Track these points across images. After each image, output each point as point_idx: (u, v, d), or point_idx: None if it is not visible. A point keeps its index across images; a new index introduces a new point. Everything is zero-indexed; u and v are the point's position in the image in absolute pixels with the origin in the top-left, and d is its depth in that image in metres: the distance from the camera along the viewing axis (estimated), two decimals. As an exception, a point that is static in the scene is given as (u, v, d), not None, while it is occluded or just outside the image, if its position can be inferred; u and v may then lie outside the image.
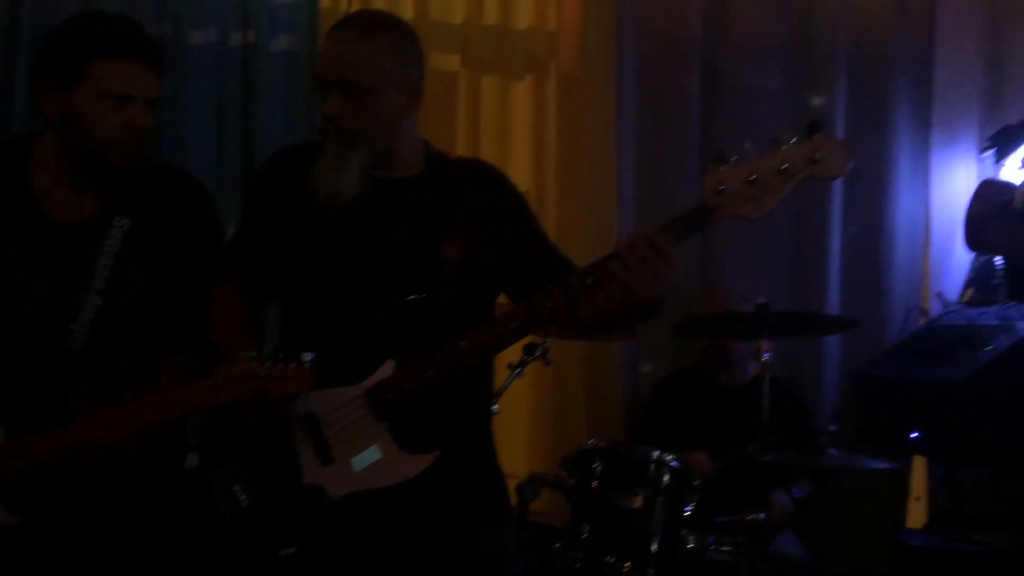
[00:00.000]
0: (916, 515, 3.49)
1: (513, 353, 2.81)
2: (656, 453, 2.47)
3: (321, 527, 1.65)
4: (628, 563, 2.37)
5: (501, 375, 2.79)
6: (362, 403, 1.66)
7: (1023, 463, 2.89)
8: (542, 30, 3.40)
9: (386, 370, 1.66)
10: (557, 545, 2.51)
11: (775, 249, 3.51)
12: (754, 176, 1.52)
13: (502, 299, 1.87)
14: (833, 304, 3.49)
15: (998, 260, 3.19)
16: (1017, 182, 0.95)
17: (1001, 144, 3.55)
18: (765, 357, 2.63)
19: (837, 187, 3.49)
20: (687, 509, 2.47)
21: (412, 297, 1.69)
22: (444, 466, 1.66)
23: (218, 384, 1.61)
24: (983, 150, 3.68)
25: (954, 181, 3.70)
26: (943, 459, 3.25)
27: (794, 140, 1.53)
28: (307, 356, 1.58)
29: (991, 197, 0.97)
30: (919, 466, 3.52)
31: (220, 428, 1.71)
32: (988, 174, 3.67)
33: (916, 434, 3.01)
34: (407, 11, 3.26)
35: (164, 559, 1.84)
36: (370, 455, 1.64)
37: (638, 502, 2.41)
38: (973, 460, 3.06)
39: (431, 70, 3.30)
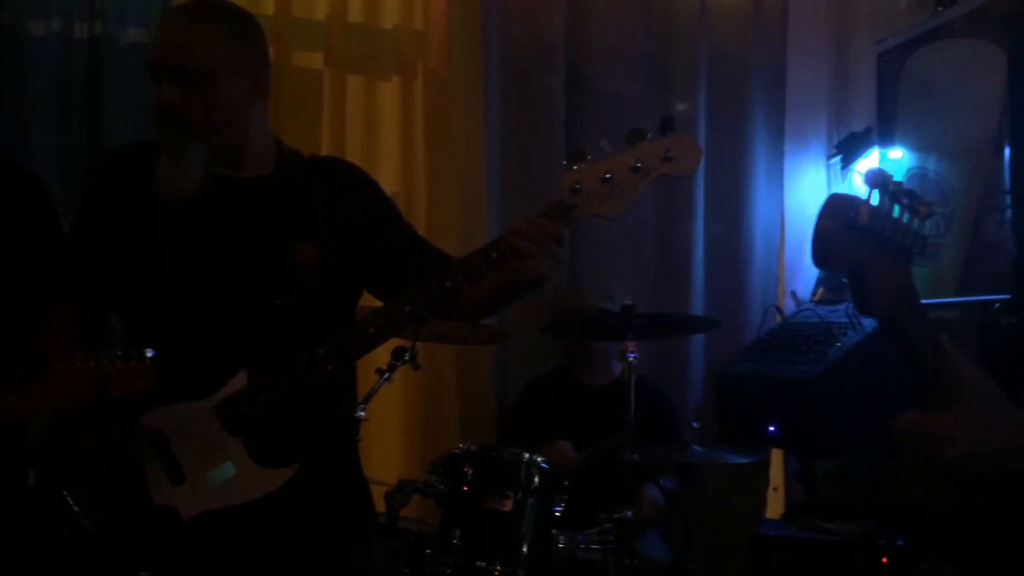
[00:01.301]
0: (775, 506, 3.64)
1: (382, 357, 2.76)
2: (526, 455, 2.47)
3: (174, 549, 1.56)
4: (499, 566, 2.35)
5: (370, 380, 2.73)
6: (213, 417, 1.57)
7: (870, 454, 3.04)
8: (409, 30, 3.37)
9: (238, 381, 1.58)
10: (428, 551, 2.47)
11: (641, 251, 3.59)
12: (609, 174, 1.52)
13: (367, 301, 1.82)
14: (696, 304, 3.60)
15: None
16: (864, 196, 0.98)
17: (847, 151, 3.76)
18: (631, 357, 2.67)
19: (699, 190, 3.60)
20: (557, 509, 2.48)
21: (265, 304, 1.61)
22: (305, 479, 1.60)
23: (50, 387, 1.48)
24: (831, 156, 3.89)
25: (805, 185, 3.90)
26: (798, 451, 3.39)
27: (648, 138, 1.54)
28: (148, 353, 1.48)
29: (837, 213, 0.99)
30: (777, 458, 3.68)
31: (59, 443, 1.59)
32: (836, 179, 3.88)
33: (773, 428, 3.12)
34: (268, 6, 3.16)
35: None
36: (224, 472, 1.56)
37: (509, 505, 2.40)
38: (825, 452, 3.20)
39: (293, 68, 3.24)
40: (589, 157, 1.54)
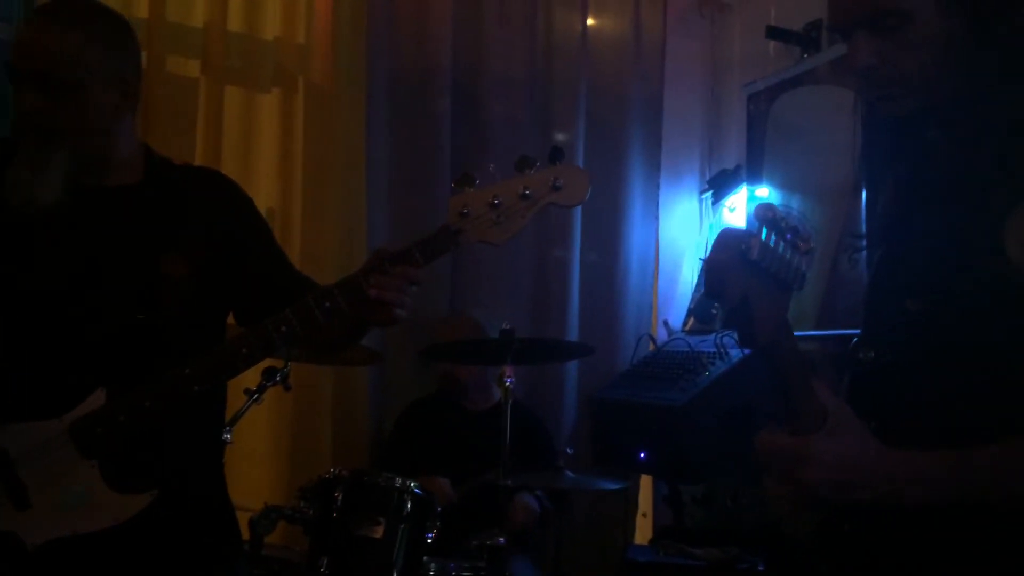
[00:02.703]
0: (643, 531, 3.70)
1: (251, 378, 2.66)
2: (399, 481, 2.43)
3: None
4: (368, 595, 2.30)
5: (238, 401, 2.63)
6: (66, 438, 1.47)
7: (734, 480, 3.13)
8: (291, 42, 3.29)
9: (96, 400, 1.48)
10: (293, 580, 2.39)
11: (519, 277, 3.61)
12: (497, 200, 1.50)
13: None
14: (571, 330, 3.64)
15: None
16: (741, 229, 1.02)
17: (718, 187, 3.91)
18: (508, 382, 2.67)
19: (577, 218, 3.66)
20: (429, 536, 2.44)
21: (127, 318, 1.52)
22: (165, 506, 1.51)
23: None
24: (703, 191, 4.03)
25: (678, 218, 4.03)
26: (666, 477, 3.46)
27: (537, 166, 1.53)
28: None
29: (730, 247, 1.03)
30: (646, 484, 3.75)
31: None
32: (708, 214, 4.02)
33: (643, 454, 3.18)
34: (141, 9, 3.04)
35: None
36: (75, 497, 1.45)
37: (379, 531, 2.34)
38: (692, 477, 3.28)
39: (167, 75, 3.11)
40: (478, 182, 1.52)
